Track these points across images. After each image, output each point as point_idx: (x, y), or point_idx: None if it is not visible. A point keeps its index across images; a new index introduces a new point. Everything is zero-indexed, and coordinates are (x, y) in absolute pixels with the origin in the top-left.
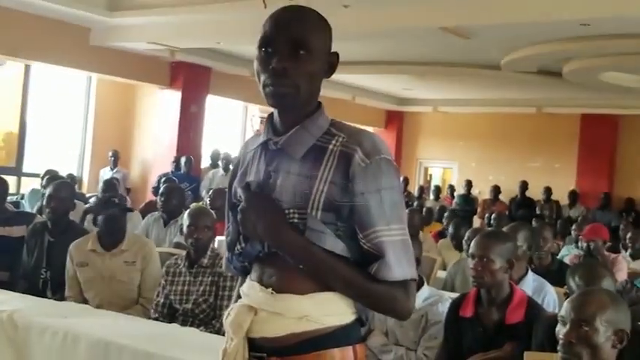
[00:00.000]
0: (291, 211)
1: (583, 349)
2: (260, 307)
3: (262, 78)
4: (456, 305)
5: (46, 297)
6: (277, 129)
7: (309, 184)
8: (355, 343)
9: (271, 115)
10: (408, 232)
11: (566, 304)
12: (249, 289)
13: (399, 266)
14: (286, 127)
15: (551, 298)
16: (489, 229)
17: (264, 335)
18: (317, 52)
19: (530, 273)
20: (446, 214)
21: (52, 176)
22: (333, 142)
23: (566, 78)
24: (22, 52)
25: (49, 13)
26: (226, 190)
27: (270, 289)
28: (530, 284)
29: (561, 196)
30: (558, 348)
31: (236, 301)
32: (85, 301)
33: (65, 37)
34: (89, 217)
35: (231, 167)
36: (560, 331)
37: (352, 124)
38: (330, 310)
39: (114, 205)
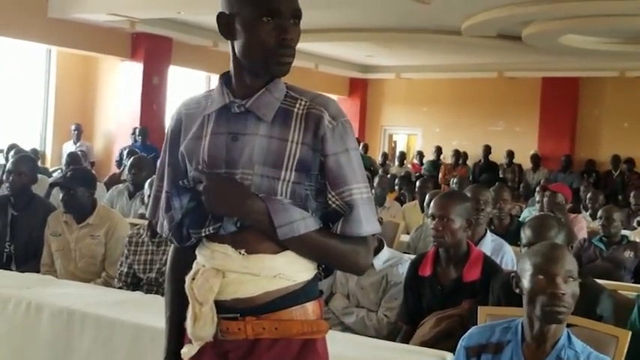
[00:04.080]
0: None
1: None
2: (231, 269)
3: (265, 49)
4: (415, 265)
5: (11, 270)
6: (236, 92)
7: (281, 146)
8: (319, 296)
9: (226, 78)
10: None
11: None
12: (214, 253)
13: (367, 222)
14: (251, 91)
15: (509, 258)
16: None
17: (237, 296)
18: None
19: (488, 234)
20: (418, 183)
21: (15, 150)
22: (298, 105)
23: (526, 42)
24: None
25: None
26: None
27: (242, 251)
28: (489, 245)
29: (523, 159)
30: (545, 301)
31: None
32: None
33: (23, 9)
34: (56, 190)
35: None
36: (561, 285)
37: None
38: (300, 266)
39: (64, 179)
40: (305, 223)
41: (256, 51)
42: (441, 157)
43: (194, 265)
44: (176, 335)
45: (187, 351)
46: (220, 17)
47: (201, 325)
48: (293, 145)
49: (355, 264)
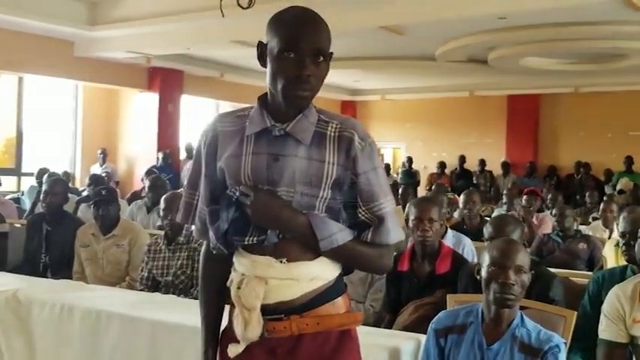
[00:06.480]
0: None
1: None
2: (273, 276)
3: (284, 81)
4: (394, 262)
5: (47, 278)
6: (276, 117)
7: (320, 167)
8: (346, 289)
9: (264, 101)
10: None
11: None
12: (255, 263)
13: (394, 231)
14: (288, 116)
15: (469, 249)
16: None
17: (280, 300)
18: (328, 57)
19: (449, 230)
20: (400, 190)
21: (48, 174)
22: (329, 128)
23: (492, 64)
24: (15, 65)
25: (37, 30)
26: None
27: (284, 260)
28: (451, 239)
29: (494, 166)
30: (496, 289)
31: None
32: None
33: (52, 50)
34: (83, 206)
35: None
36: (511, 276)
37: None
38: (330, 267)
39: (102, 196)
40: (342, 235)
41: (277, 82)
42: (420, 167)
43: (233, 274)
44: (212, 331)
45: (235, 349)
46: (258, 45)
47: (251, 329)
48: (330, 165)
49: (380, 266)
